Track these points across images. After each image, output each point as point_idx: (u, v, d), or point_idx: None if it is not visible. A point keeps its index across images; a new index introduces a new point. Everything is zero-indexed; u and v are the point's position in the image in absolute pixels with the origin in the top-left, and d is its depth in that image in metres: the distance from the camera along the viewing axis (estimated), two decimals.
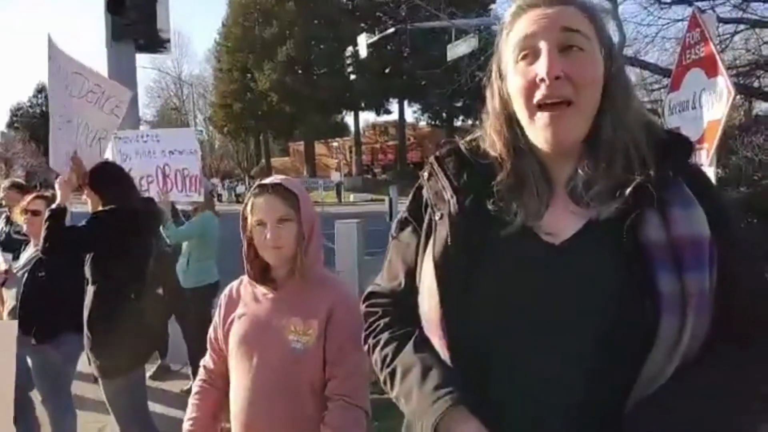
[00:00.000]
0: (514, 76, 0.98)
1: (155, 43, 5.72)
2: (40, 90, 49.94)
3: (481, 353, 0.95)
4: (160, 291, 4.49)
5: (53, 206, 2.95)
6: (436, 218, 1.04)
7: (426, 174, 1.11)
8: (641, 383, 0.89)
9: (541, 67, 0.93)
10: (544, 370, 0.90)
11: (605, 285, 0.90)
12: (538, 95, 0.93)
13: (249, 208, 1.70)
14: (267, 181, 1.73)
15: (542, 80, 0.92)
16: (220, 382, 1.83)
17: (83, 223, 2.94)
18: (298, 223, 1.66)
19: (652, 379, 0.89)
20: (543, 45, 0.94)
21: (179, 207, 4.80)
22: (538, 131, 0.96)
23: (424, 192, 1.11)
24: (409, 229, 1.14)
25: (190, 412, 1.84)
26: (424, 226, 1.08)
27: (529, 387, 0.92)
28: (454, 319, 0.96)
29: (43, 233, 2.86)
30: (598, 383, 0.89)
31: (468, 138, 1.12)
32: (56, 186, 3.04)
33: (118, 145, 4.12)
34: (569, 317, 0.90)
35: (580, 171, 0.97)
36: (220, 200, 38.60)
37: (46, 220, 2.87)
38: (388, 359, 1.06)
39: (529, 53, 0.96)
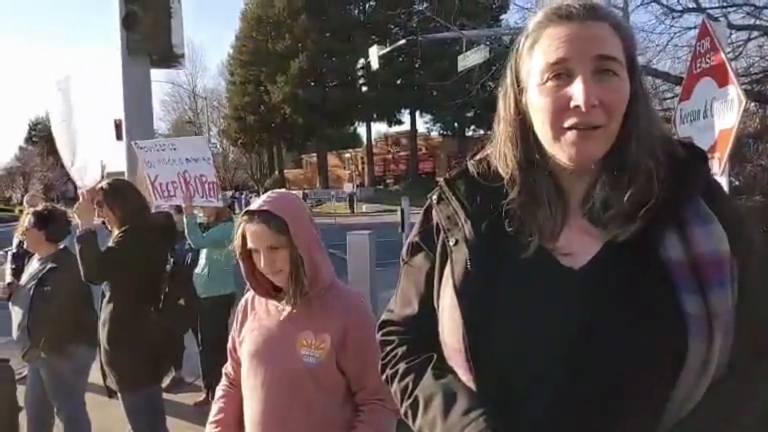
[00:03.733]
0: (540, 95, 0.93)
1: (170, 57, 5.80)
2: None
3: (508, 380, 0.93)
4: (182, 302, 4.55)
5: (79, 233, 2.95)
6: (451, 244, 1.01)
7: (435, 197, 1.08)
8: (672, 407, 0.88)
9: (577, 95, 0.89)
10: (571, 397, 0.88)
11: (629, 310, 0.88)
12: (571, 121, 0.90)
13: (240, 232, 1.68)
14: (254, 207, 1.67)
15: (577, 107, 0.89)
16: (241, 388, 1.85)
17: (111, 244, 2.97)
18: (291, 247, 1.63)
19: (683, 402, 0.88)
20: (578, 71, 0.90)
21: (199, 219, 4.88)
22: (562, 148, 0.92)
23: (434, 215, 1.08)
24: (421, 254, 1.10)
25: (214, 413, 1.84)
26: (438, 251, 1.05)
27: (557, 413, 0.89)
28: (479, 349, 0.94)
29: (79, 262, 2.89)
30: (628, 409, 0.88)
31: (477, 158, 1.09)
32: (74, 213, 3.07)
33: (141, 154, 4.21)
34: (595, 344, 0.88)
35: (597, 189, 0.94)
36: (234, 212, 38.91)
37: (79, 252, 2.90)
38: (408, 390, 1.04)
39: (561, 74, 0.91)
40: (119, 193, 3.10)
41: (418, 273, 1.10)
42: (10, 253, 4.18)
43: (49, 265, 3.35)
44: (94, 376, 3.45)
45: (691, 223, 0.90)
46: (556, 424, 0.89)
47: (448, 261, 1.01)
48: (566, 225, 0.97)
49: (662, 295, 0.87)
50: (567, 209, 0.98)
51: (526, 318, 0.92)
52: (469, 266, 0.96)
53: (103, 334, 2.98)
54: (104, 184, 3.14)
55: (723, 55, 3.34)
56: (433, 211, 1.08)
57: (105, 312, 2.99)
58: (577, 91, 0.89)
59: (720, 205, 0.94)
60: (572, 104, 0.89)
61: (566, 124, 0.91)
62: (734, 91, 3.19)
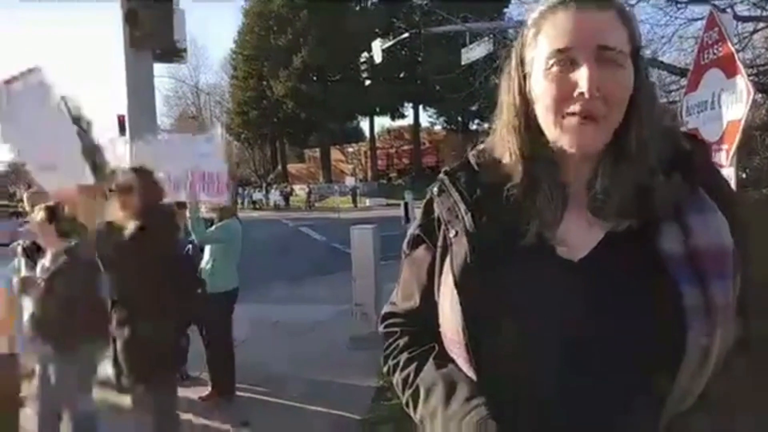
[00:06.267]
0: (544, 80, 0.93)
1: (172, 52, 5.83)
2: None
3: (508, 372, 0.93)
4: (200, 291, 4.59)
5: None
6: (451, 235, 1.01)
7: (436, 189, 1.08)
8: (672, 400, 0.88)
9: (581, 82, 0.89)
10: (571, 389, 0.89)
11: (628, 303, 0.88)
12: (573, 108, 0.91)
13: None
14: None
15: (581, 94, 0.89)
16: None
17: (123, 239, 2.98)
18: None
19: (683, 395, 0.88)
20: (582, 59, 0.90)
21: (204, 215, 4.89)
22: (564, 135, 0.93)
23: (435, 207, 1.08)
24: (422, 246, 1.11)
25: None
26: (439, 243, 1.05)
27: (557, 405, 0.90)
28: (479, 340, 0.94)
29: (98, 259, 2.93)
30: (628, 401, 0.88)
31: (479, 148, 1.09)
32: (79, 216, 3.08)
33: (160, 147, 4.25)
34: (594, 335, 0.88)
35: (598, 180, 0.95)
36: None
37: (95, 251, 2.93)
38: (409, 380, 1.04)
39: (564, 60, 0.92)
40: (133, 185, 3.10)
41: (419, 265, 1.10)
42: (20, 247, 4.17)
43: (61, 260, 3.36)
44: (104, 372, 3.47)
45: (691, 214, 0.90)
46: (556, 414, 0.89)
47: (449, 253, 1.01)
48: (567, 216, 0.97)
49: (662, 287, 0.87)
50: (568, 200, 0.98)
51: (526, 309, 0.92)
52: (468, 258, 0.96)
53: (113, 329, 2.99)
54: (122, 174, 3.15)
55: (731, 46, 3.31)
56: (434, 204, 1.08)
57: (115, 307, 3.00)
58: (581, 77, 0.89)
59: (720, 196, 0.94)
60: (576, 91, 0.90)
61: (568, 110, 0.91)
62: (742, 82, 3.17)
